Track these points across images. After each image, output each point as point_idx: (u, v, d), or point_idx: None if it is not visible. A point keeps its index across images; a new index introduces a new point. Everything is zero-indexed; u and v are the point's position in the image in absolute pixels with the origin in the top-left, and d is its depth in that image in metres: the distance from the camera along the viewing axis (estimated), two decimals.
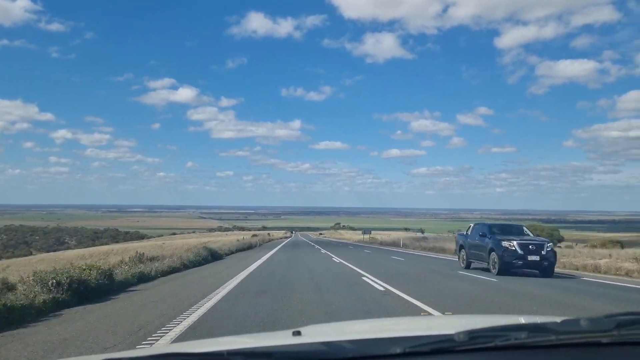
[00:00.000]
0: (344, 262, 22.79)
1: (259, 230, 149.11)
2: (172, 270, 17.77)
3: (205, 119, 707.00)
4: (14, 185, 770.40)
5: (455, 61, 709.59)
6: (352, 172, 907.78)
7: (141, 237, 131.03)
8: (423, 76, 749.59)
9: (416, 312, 8.77)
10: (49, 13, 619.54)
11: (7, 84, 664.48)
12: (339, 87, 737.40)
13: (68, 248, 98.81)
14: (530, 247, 16.78)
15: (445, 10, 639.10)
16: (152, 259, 19.27)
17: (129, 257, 18.80)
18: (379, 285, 13.06)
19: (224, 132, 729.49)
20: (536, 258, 16.62)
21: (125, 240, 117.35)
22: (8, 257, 69.40)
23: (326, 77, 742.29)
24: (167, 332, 6.90)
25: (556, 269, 17.60)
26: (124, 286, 12.74)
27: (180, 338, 6.53)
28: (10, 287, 10.11)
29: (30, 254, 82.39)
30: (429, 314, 8.56)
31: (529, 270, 17.12)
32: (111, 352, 3.20)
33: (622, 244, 47.25)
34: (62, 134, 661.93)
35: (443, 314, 8.50)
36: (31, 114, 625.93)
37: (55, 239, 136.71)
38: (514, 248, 16.74)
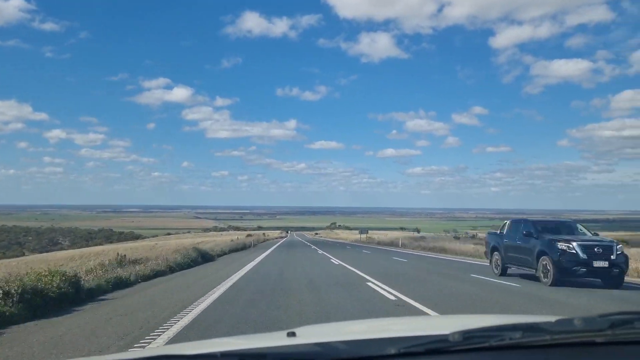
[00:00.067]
0: (343, 264, 21.19)
1: (254, 230, 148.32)
2: (156, 274, 16.11)
3: (200, 119, 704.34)
4: (8, 185, 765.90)
5: (450, 61, 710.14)
6: (348, 171, 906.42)
7: (136, 237, 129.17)
8: (418, 76, 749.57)
9: None
10: (43, 12, 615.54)
11: (0, 83, 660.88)
12: (334, 86, 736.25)
13: (61, 249, 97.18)
14: (595, 249, 13.40)
15: (440, 10, 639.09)
16: (134, 262, 17.63)
17: (109, 260, 17.17)
18: (388, 293, 11.47)
19: (219, 132, 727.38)
20: (604, 264, 13.22)
21: (119, 240, 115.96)
22: None
23: (321, 77, 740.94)
24: None
25: None
26: (94, 294, 11.09)
27: None
28: None
29: (23, 254, 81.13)
30: None
31: (591, 279, 14.07)
32: (105, 355, 2.84)
33: (627, 243, 46.14)
34: (57, 133, 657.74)
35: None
36: (25, 114, 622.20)
37: (49, 240, 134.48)
38: (574, 251, 13.40)
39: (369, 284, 13.26)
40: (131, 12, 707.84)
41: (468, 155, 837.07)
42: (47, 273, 9.85)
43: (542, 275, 14.01)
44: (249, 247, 48.27)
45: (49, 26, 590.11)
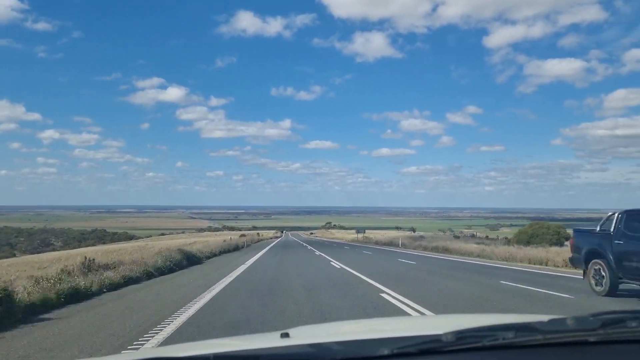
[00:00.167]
0: (346, 267, 18.79)
1: (248, 230, 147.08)
2: (127, 282, 13.71)
3: (194, 119, 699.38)
4: (0, 186, 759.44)
5: (444, 60, 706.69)
6: (343, 171, 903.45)
7: (129, 238, 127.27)
8: (413, 75, 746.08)
9: None
10: (36, 12, 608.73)
11: None
12: (329, 86, 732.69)
13: (54, 249, 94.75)
14: None
15: (434, 9, 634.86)
16: (105, 267, 15.27)
17: (74, 265, 14.83)
18: (417, 312, 8.75)
19: (213, 132, 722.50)
20: None
21: (112, 241, 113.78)
22: None
23: (316, 77, 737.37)
24: None
25: None
26: (35, 311, 8.70)
27: None
28: None
29: (13, 256, 79.73)
30: None
31: None
32: (95, 357, 2.89)
33: None
34: (50, 134, 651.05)
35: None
36: (18, 114, 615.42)
37: (41, 241, 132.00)
38: None
39: (385, 295, 10.75)
40: (124, 12, 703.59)
41: (462, 155, 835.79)
42: None
43: None
44: (242, 247, 45.88)
45: (41, 26, 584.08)
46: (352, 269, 18.14)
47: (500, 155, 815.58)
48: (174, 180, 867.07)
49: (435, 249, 37.74)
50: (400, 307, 9.29)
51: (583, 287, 11.99)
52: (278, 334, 1.88)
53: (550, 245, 42.82)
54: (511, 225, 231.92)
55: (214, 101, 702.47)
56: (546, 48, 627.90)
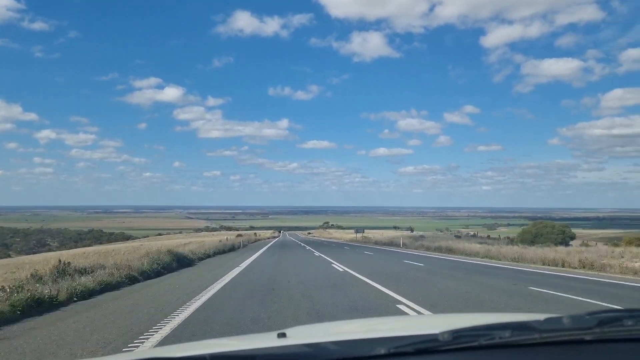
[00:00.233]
0: (349, 270, 17.21)
1: (246, 230, 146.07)
2: (104, 288, 12.12)
3: (192, 119, 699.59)
4: None
5: (441, 60, 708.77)
6: (340, 171, 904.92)
7: (126, 238, 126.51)
8: (410, 75, 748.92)
9: None
10: (32, 12, 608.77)
11: None
12: (326, 86, 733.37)
13: (49, 250, 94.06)
14: None
15: (431, 9, 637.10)
16: (83, 271, 13.73)
17: (49, 269, 13.27)
18: None
19: (211, 132, 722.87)
20: None
21: (109, 241, 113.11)
22: None
23: (313, 76, 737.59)
24: None
25: None
26: None
27: None
28: None
29: (9, 256, 78.75)
30: None
31: None
32: (93, 357, 2.75)
33: None
34: (47, 134, 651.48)
35: None
36: (15, 114, 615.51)
37: (37, 241, 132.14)
38: None
39: (403, 307, 9.09)
40: (121, 12, 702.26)
41: (459, 154, 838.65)
42: None
43: None
44: (238, 248, 44.26)
45: (38, 26, 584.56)
46: (355, 272, 16.54)
47: (497, 154, 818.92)
48: (171, 180, 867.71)
49: (439, 249, 36.34)
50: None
51: (629, 294, 10.55)
52: (275, 333, 1.86)
53: (556, 244, 41.68)
54: (508, 225, 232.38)
55: (211, 101, 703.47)
56: (543, 48, 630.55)
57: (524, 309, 9.21)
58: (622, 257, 21.58)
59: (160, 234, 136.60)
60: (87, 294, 11.13)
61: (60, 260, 13.70)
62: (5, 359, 5.65)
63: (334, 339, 1.80)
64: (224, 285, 13.18)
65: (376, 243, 55.92)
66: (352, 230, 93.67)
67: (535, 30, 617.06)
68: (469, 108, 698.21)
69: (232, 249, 41.23)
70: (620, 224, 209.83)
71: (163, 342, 6.30)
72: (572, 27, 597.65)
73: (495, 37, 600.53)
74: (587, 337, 1.60)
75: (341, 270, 17.66)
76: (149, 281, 14.96)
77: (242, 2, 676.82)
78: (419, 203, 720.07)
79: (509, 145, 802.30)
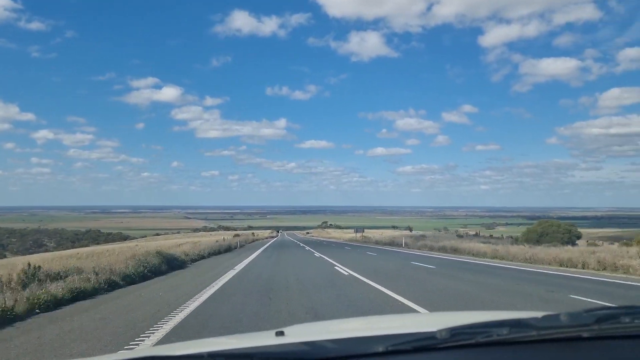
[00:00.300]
0: (357, 275, 15.60)
1: (244, 230, 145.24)
2: (77, 297, 10.52)
3: (189, 119, 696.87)
4: None
5: (439, 59, 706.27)
6: (338, 170, 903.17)
7: (123, 238, 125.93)
8: (408, 74, 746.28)
9: None
10: (29, 12, 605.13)
11: None
12: (324, 85, 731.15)
13: (46, 250, 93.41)
14: None
15: (429, 8, 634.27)
16: (57, 276, 12.19)
17: (17, 274, 11.74)
18: None
19: (209, 132, 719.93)
20: None
21: (106, 241, 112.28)
22: None
23: (311, 76, 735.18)
24: None
25: None
26: None
27: None
28: None
29: (4, 257, 77.54)
30: None
31: None
32: (91, 357, 2.38)
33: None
34: (44, 134, 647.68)
35: None
36: (12, 114, 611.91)
37: (33, 241, 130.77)
38: None
39: None
40: (118, 11, 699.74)
41: (458, 154, 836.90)
42: None
43: None
44: (235, 248, 42.75)
45: (35, 25, 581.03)
46: (365, 276, 14.82)
47: (495, 154, 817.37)
48: (169, 180, 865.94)
49: (443, 249, 34.89)
50: None
51: None
52: (273, 332, 1.86)
53: (562, 244, 40.30)
54: (507, 224, 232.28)
55: (209, 101, 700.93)
56: (541, 47, 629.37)
57: None
58: None
59: (158, 234, 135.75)
60: (54, 304, 9.59)
61: (29, 264, 12.13)
62: None
63: (331, 337, 1.79)
64: (214, 293, 11.53)
65: (377, 243, 54.39)
66: (351, 230, 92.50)
67: (533, 29, 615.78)
68: (467, 107, 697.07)
69: (229, 249, 39.68)
70: (618, 222, 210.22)
71: None
72: (569, 27, 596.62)
73: (493, 36, 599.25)
74: (585, 334, 1.58)
75: (346, 274, 15.95)
76: (131, 287, 13.37)
77: (239, 2, 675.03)
78: (417, 203, 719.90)
79: (507, 144, 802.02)
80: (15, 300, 8.57)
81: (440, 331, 1.55)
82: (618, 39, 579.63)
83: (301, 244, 50.65)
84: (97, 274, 13.01)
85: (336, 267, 18.53)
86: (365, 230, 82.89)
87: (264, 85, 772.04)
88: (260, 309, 9.06)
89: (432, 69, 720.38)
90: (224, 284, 13.39)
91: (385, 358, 1.54)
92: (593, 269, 19.15)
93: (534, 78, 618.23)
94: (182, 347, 1.94)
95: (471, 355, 1.58)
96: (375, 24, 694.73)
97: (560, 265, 20.80)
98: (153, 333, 6.86)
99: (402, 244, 45.49)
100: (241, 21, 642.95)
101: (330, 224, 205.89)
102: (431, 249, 37.41)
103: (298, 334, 2.00)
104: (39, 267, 12.27)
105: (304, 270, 17.92)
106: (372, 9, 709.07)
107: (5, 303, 8.19)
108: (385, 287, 12.19)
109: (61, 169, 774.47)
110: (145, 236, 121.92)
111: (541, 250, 25.49)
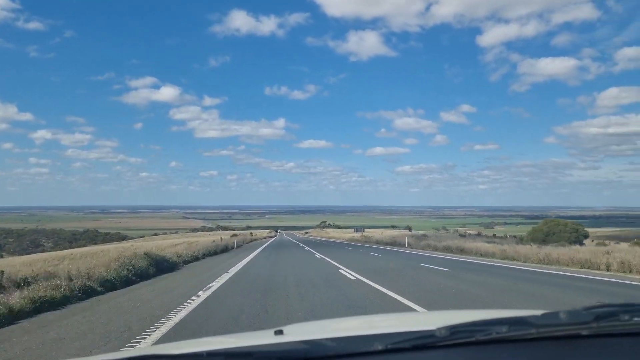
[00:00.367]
0: (364, 280, 13.99)
1: (242, 229, 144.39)
2: (40, 308, 8.98)
3: (188, 118, 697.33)
4: None
5: (438, 59, 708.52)
6: (337, 170, 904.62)
7: (122, 238, 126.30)
8: (406, 74, 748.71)
9: None
10: (28, 11, 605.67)
11: None
12: (323, 85, 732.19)
13: (43, 251, 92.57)
14: None
15: (428, 8, 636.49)
16: (24, 282, 10.63)
17: None
18: None
19: (207, 132, 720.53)
20: None
21: (104, 241, 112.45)
22: None
23: (310, 76, 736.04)
24: None
25: None
26: None
27: None
28: None
29: (1, 257, 76.51)
30: None
31: None
32: (90, 356, 2.29)
33: None
34: (42, 134, 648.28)
35: None
36: (10, 114, 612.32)
37: (31, 242, 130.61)
38: None
39: None
40: (117, 11, 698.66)
41: (456, 153, 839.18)
42: None
43: None
44: (232, 249, 41.20)
45: (33, 25, 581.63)
46: (374, 282, 13.13)
47: (493, 153, 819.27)
48: (167, 180, 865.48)
49: (448, 249, 33.42)
50: None
51: None
52: (272, 331, 1.85)
53: (570, 243, 38.95)
54: (505, 224, 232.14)
55: (208, 101, 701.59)
56: (539, 47, 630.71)
57: None
58: None
59: (156, 234, 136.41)
60: (11, 318, 8.05)
61: None
62: None
63: (331, 335, 1.75)
64: (200, 303, 9.90)
65: (378, 243, 52.92)
66: (350, 230, 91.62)
67: (531, 29, 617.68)
68: (466, 107, 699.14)
69: (225, 250, 38.13)
70: (617, 222, 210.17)
71: None
72: (567, 26, 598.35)
73: (492, 36, 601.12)
74: (584, 332, 1.58)
75: (353, 278, 14.24)
76: (110, 294, 11.80)
77: (238, 2, 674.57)
78: (416, 202, 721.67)
79: (505, 144, 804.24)
80: None
81: (439, 329, 1.54)
82: (616, 38, 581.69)
83: (300, 244, 49.11)
84: (71, 280, 11.50)
85: (340, 271, 16.85)
86: (365, 229, 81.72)
87: (263, 85, 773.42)
88: (255, 320, 7.48)
89: (431, 68, 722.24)
90: (214, 291, 11.73)
91: (385, 356, 1.53)
92: (617, 270, 17.69)
93: (532, 78, 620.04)
94: (180, 346, 1.96)
95: (471, 353, 1.55)
96: (373, 24, 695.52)
97: (581, 267, 19.28)
98: None
99: (404, 244, 44.06)
100: (240, 21, 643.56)
101: (329, 224, 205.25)
102: (435, 249, 35.99)
103: (297, 332, 1.95)
104: (2, 272, 10.71)
105: (305, 272, 16.34)
106: (371, 9, 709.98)
107: None
108: (398, 295, 10.52)
109: (60, 169, 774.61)
110: (144, 236, 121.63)
111: (553, 250, 23.98)
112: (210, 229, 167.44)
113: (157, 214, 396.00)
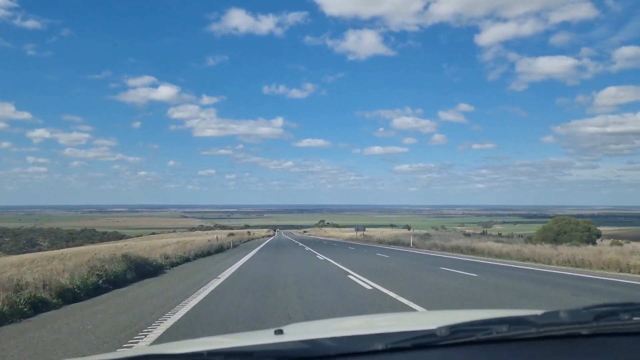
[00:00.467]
0: (384, 290, 11.59)
1: (241, 228, 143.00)
2: None
3: (186, 117, 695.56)
4: None
5: (436, 58, 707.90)
6: (335, 169, 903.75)
7: (119, 237, 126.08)
8: (404, 73, 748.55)
9: None
10: (25, 10, 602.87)
11: None
12: (321, 84, 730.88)
13: (40, 250, 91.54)
14: None
15: (426, 7, 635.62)
16: None
17: None
18: None
19: (205, 131, 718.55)
20: None
21: (101, 240, 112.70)
22: None
23: (308, 74, 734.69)
24: None
25: None
26: None
27: None
28: None
29: None
30: None
31: None
32: (90, 356, 2.28)
33: None
34: (40, 133, 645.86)
35: None
36: (7, 113, 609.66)
37: (27, 241, 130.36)
38: None
39: None
40: (114, 10, 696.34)
41: (454, 152, 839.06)
42: None
43: None
44: (227, 248, 38.90)
45: (31, 24, 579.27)
46: (401, 296, 10.65)
47: (491, 152, 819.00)
48: (166, 179, 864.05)
49: (457, 249, 31.28)
50: None
51: None
52: (272, 331, 1.84)
53: (583, 243, 37.00)
54: (503, 222, 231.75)
55: (206, 99, 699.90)
56: (537, 46, 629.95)
57: None
58: None
59: (153, 233, 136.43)
60: None
61: None
62: None
63: (331, 335, 1.77)
64: (176, 322, 7.49)
65: (379, 242, 50.86)
66: (349, 229, 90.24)
67: (529, 28, 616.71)
68: (464, 106, 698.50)
69: (220, 249, 35.84)
70: (615, 221, 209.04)
71: None
72: (566, 25, 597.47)
73: (490, 35, 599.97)
74: (584, 331, 1.59)
75: (369, 288, 11.65)
76: (66, 308, 9.40)
77: (236, 0, 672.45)
78: (414, 201, 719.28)
79: (503, 143, 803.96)
80: None
81: (440, 329, 1.54)
82: (614, 37, 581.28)
83: (300, 244, 46.92)
84: (18, 290, 9.25)
85: (349, 277, 14.34)
86: (366, 228, 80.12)
87: (261, 84, 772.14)
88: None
89: (429, 67, 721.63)
90: (195, 305, 9.34)
91: (385, 356, 1.52)
92: None
93: (530, 77, 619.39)
94: (180, 345, 1.95)
95: (471, 352, 1.56)
96: (372, 23, 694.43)
97: (620, 271, 17.05)
98: None
99: (409, 244, 41.90)
100: (238, 20, 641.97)
101: (328, 223, 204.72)
102: (442, 249, 33.89)
103: (297, 332, 1.96)
104: None
105: (307, 278, 13.73)
106: (369, 8, 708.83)
107: None
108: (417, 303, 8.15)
109: (58, 168, 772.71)
110: (141, 235, 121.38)
111: (577, 251, 21.84)
112: (208, 228, 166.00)
113: (155, 213, 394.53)
